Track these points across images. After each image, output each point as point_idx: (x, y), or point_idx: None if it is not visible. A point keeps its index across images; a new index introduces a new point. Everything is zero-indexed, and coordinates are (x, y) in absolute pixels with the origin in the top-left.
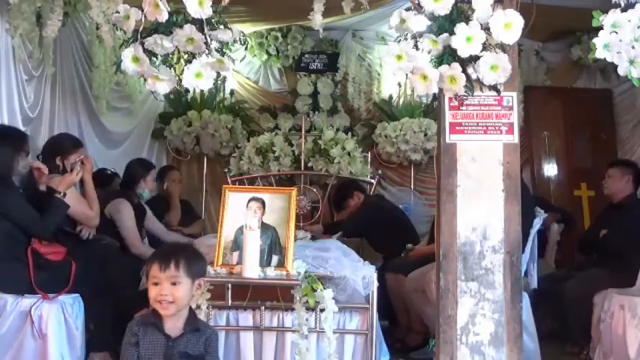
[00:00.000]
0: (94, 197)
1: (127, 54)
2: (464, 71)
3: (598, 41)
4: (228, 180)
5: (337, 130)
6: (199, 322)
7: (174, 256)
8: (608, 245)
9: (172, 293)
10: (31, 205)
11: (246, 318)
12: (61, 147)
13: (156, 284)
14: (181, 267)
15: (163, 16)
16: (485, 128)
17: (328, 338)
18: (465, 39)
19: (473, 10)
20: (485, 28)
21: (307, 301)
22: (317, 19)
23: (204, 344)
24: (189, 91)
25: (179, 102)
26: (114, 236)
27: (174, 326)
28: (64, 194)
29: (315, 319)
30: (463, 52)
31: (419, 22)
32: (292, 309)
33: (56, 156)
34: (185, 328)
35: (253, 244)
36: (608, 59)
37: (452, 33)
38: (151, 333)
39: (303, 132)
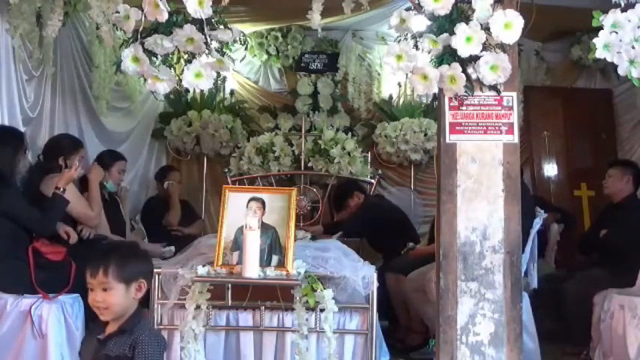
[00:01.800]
0: (97, 198)
1: (127, 54)
2: (464, 71)
3: (598, 41)
4: (228, 180)
5: (337, 130)
6: (134, 324)
7: (104, 260)
8: (608, 245)
9: (105, 299)
10: (30, 203)
11: (246, 318)
12: (62, 147)
13: (91, 290)
14: (110, 272)
15: (163, 16)
16: (485, 128)
17: (328, 338)
18: (465, 39)
19: (473, 10)
20: (486, 28)
21: (307, 301)
22: (315, 19)
23: (130, 347)
24: (189, 91)
25: (179, 102)
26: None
27: (111, 328)
28: (64, 190)
29: (315, 319)
30: (463, 52)
31: (419, 22)
32: (292, 309)
33: (58, 156)
34: (117, 329)
35: (253, 244)
36: (608, 59)
37: (452, 33)
38: (89, 338)
39: (303, 132)
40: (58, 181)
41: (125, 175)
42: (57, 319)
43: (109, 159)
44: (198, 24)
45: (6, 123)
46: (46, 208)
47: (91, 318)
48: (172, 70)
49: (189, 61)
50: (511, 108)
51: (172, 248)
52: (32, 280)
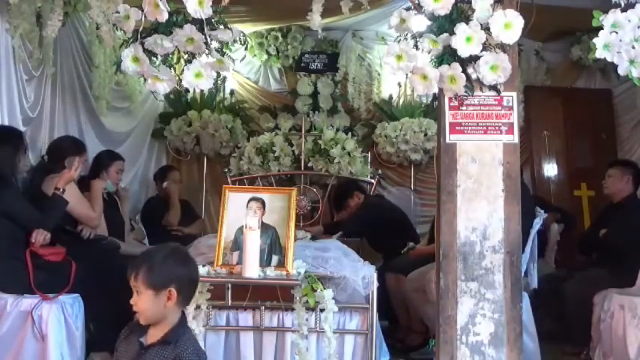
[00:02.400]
0: (98, 199)
1: (127, 54)
2: (464, 71)
3: (598, 41)
4: (228, 180)
5: (337, 130)
6: (178, 336)
7: (136, 264)
8: (608, 245)
9: (137, 303)
10: (31, 203)
11: (246, 318)
12: (65, 149)
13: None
14: (140, 277)
15: (163, 16)
16: (485, 128)
17: (328, 338)
18: (465, 39)
19: (473, 10)
20: (486, 28)
21: (307, 301)
22: (315, 20)
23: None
24: (189, 91)
25: (179, 102)
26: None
27: (153, 334)
28: (63, 190)
29: (315, 319)
30: (463, 52)
31: (419, 22)
32: (292, 309)
33: (62, 158)
34: (161, 338)
35: (253, 244)
36: (608, 59)
37: (452, 33)
38: (132, 337)
39: (303, 132)
40: (58, 181)
41: (125, 175)
42: (57, 319)
43: (107, 159)
44: (198, 24)
45: (6, 123)
46: (46, 209)
47: (91, 318)
48: (172, 70)
49: (189, 61)
50: (511, 108)
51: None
52: (30, 282)
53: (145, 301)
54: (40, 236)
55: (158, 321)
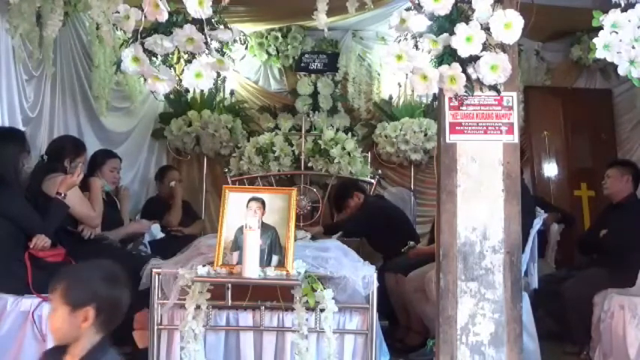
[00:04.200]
0: (98, 198)
1: (127, 54)
2: (464, 71)
3: (598, 41)
4: (228, 180)
5: (337, 130)
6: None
7: (59, 277)
8: (608, 245)
9: (50, 319)
10: (32, 206)
11: (246, 318)
12: (65, 150)
13: None
14: (57, 291)
15: (163, 16)
16: (485, 128)
17: (328, 338)
18: (465, 39)
19: (473, 10)
20: (486, 28)
21: (307, 301)
22: (321, 19)
23: None
24: (189, 91)
25: (179, 102)
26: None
27: (71, 357)
28: (65, 195)
29: (315, 319)
30: (463, 52)
31: (419, 22)
32: (292, 309)
33: (62, 158)
34: None
35: (253, 244)
36: (608, 59)
37: (452, 33)
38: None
39: (303, 132)
40: (59, 186)
41: (125, 175)
42: None
43: (100, 157)
44: (198, 24)
45: (6, 123)
46: (46, 213)
47: None
48: (172, 70)
49: (189, 61)
50: (511, 108)
51: (157, 225)
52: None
53: (58, 318)
54: (40, 242)
55: (70, 343)
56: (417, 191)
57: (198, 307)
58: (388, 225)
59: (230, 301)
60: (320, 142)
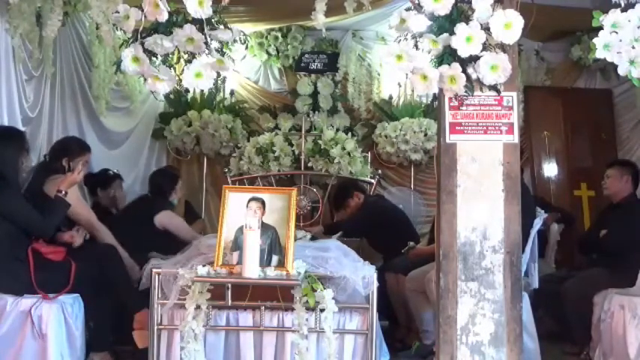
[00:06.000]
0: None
1: (127, 54)
2: (464, 71)
3: (598, 41)
4: (228, 180)
5: (337, 130)
6: None
7: None
8: (608, 245)
9: None
10: (32, 204)
11: (246, 318)
12: (69, 149)
13: None
14: None
15: (163, 16)
16: (485, 128)
17: (328, 338)
18: (465, 39)
19: (473, 10)
20: (486, 28)
21: (307, 301)
22: (320, 19)
23: None
24: (189, 91)
25: (179, 102)
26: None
27: None
28: (66, 193)
29: (315, 319)
30: (463, 52)
31: (419, 22)
32: (292, 309)
33: (63, 157)
34: None
35: (253, 244)
36: (608, 59)
37: (452, 33)
38: None
39: (303, 132)
40: (60, 184)
41: (125, 175)
42: (57, 319)
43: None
44: (198, 24)
45: (6, 123)
46: (47, 211)
47: (91, 318)
48: (172, 70)
49: (189, 61)
50: (511, 108)
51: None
52: (32, 281)
53: None
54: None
55: None
56: (417, 191)
57: (198, 307)
58: (388, 225)
59: (230, 301)
60: (320, 142)
